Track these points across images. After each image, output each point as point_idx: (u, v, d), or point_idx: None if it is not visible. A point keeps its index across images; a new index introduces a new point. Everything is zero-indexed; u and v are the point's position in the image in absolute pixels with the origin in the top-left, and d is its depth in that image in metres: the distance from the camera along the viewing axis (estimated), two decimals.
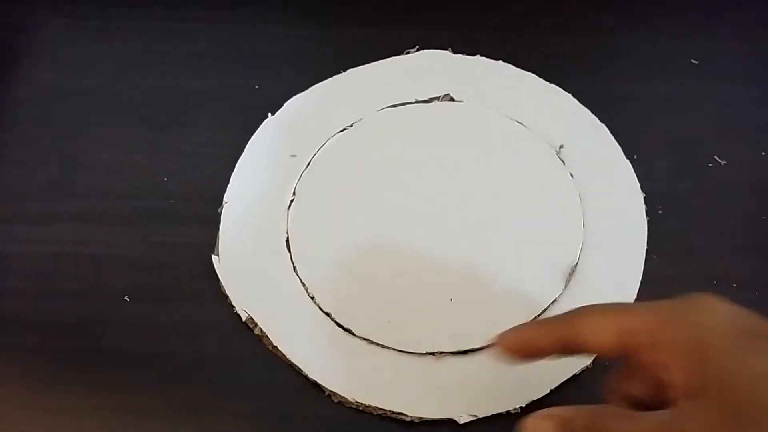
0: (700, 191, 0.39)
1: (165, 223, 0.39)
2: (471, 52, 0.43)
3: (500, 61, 0.43)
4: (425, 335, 0.34)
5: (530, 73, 0.42)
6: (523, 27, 0.45)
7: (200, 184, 0.40)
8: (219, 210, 0.38)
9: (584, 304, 0.25)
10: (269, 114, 0.41)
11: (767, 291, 0.36)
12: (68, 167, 0.41)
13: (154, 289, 0.37)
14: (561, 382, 0.33)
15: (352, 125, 0.40)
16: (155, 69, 0.44)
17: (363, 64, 0.43)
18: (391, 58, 0.43)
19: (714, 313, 0.23)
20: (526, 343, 0.26)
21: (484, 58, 0.43)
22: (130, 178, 0.40)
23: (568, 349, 0.25)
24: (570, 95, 0.42)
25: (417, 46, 0.44)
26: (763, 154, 0.41)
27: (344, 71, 0.43)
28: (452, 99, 0.41)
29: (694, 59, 0.44)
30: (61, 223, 0.39)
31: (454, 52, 0.43)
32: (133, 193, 0.40)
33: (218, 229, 0.38)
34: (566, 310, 0.26)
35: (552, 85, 0.42)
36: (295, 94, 0.42)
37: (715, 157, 0.40)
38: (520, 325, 0.27)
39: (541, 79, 0.42)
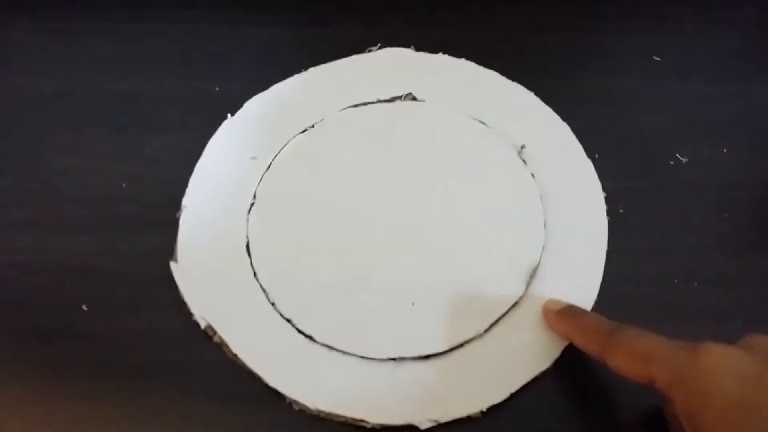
0: (662, 189, 0.39)
1: (124, 230, 0.38)
2: (433, 50, 0.43)
3: (462, 59, 0.42)
4: (387, 341, 0.34)
5: (492, 71, 0.42)
6: (486, 24, 0.45)
7: (160, 189, 0.39)
8: (177, 215, 0.38)
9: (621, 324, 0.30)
10: (229, 115, 0.40)
11: (729, 289, 0.36)
12: (25, 173, 0.40)
13: (113, 297, 0.36)
14: (521, 385, 0.33)
15: (313, 126, 0.40)
16: (113, 72, 0.43)
17: (325, 62, 0.43)
18: (352, 57, 0.43)
19: (715, 378, 0.25)
20: (567, 332, 0.33)
21: (446, 56, 0.43)
22: (88, 184, 0.39)
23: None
24: (532, 93, 0.41)
25: (379, 44, 0.43)
26: (725, 151, 0.41)
27: (305, 70, 0.42)
28: (414, 98, 0.41)
29: (656, 56, 0.44)
30: (18, 230, 0.38)
31: (417, 50, 0.43)
32: (91, 198, 0.39)
33: (176, 234, 0.37)
34: (573, 305, 0.34)
35: (514, 83, 0.42)
36: (254, 93, 0.41)
37: (677, 154, 0.40)
38: (574, 308, 0.33)
39: (504, 77, 0.42)
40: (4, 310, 0.36)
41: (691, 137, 0.41)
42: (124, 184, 0.39)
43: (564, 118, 0.41)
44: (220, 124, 0.40)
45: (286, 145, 0.39)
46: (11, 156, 0.40)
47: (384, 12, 0.45)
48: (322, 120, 0.40)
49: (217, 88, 0.42)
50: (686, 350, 0.26)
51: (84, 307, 0.36)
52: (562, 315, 0.33)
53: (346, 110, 0.40)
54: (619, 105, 0.42)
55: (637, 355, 0.28)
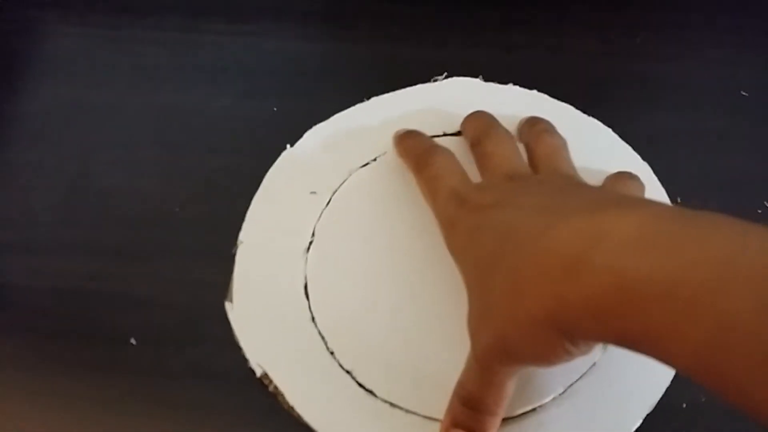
0: None
1: (175, 258, 0.36)
2: (503, 76, 0.41)
3: (534, 91, 0.40)
4: None
5: (568, 105, 0.39)
6: (559, 49, 0.42)
7: (214, 216, 0.37)
8: (233, 251, 0.36)
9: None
10: (288, 145, 0.39)
11: None
12: (73, 192, 0.38)
13: (162, 330, 0.34)
14: None
15: (375, 159, 0.38)
16: (169, 85, 0.42)
17: (388, 86, 0.40)
18: (417, 86, 0.40)
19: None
20: (400, 154, 0.38)
21: (517, 87, 0.40)
22: (139, 205, 0.38)
23: None
24: (610, 129, 0.39)
25: (445, 74, 0.41)
26: None
27: (367, 99, 0.40)
28: None
29: (744, 91, 0.41)
30: (65, 254, 0.36)
31: (485, 78, 0.40)
32: (142, 222, 0.37)
33: (231, 270, 0.35)
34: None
35: (590, 118, 0.39)
36: (314, 118, 0.39)
37: (765, 202, 0.37)
38: (409, 131, 0.38)
39: (579, 111, 0.39)
40: (46, 339, 0.34)
41: None
42: (177, 209, 0.37)
43: (644, 158, 0.38)
44: (277, 148, 0.38)
45: (346, 179, 0.37)
46: (57, 173, 0.39)
47: (452, 32, 0.43)
48: (385, 153, 0.38)
49: (275, 108, 0.40)
50: (456, 203, 0.32)
51: (132, 341, 0.34)
52: (397, 138, 0.37)
53: None
54: (704, 145, 0.39)
55: (427, 181, 0.34)
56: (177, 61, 0.42)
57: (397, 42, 0.43)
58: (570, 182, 0.32)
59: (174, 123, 0.40)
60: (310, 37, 0.44)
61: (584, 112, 0.39)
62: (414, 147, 0.36)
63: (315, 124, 0.39)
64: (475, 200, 0.31)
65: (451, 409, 0.30)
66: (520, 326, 0.25)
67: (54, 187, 0.38)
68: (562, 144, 0.36)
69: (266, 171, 0.38)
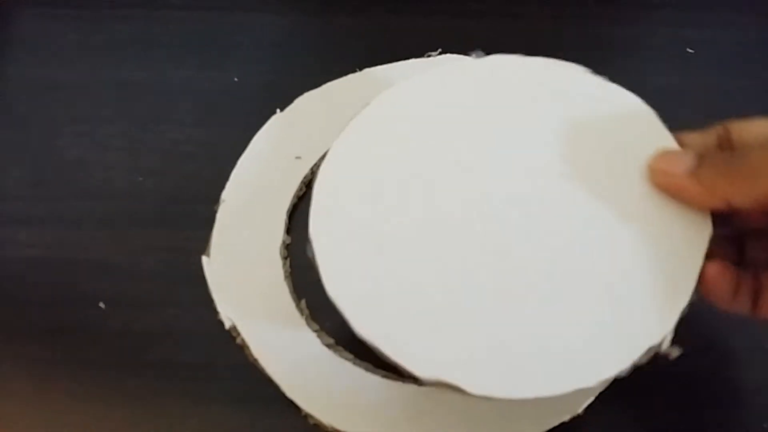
0: None
1: (142, 225, 0.37)
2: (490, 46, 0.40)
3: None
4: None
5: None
6: (520, 16, 0.43)
7: (177, 185, 0.38)
8: (215, 208, 0.36)
9: None
10: (278, 110, 0.39)
11: None
12: (42, 166, 0.39)
13: (130, 295, 0.35)
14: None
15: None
16: (132, 61, 0.42)
17: (382, 59, 0.40)
18: (411, 60, 0.41)
19: None
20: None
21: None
22: (104, 176, 0.38)
23: None
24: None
25: (439, 50, 0.41)
26: None
27: (360, 70, 0.40)
28: None
29: (690, 48, 0.42)
30: (34, 224, 0.37)
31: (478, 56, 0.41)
32: (109, 193, 0.38)
33: (205, 230, 0.36)
34: None
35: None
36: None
37: None
38: None
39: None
40: (19, 306, 0.35)
41: None
42: (141, 178, 0.38)
43: None
44: (250, 119, 0.39)
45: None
46: (26, 149, 0.39)
47: (452, 6, 0.43)
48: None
49: (236, 79, 0.41)
50: None
51: (101, 305, 0.35)
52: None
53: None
54: (654, 100, 0.40)
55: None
56: (140, 37, 0.42)
57: (392, 14, 0.43)
58: None
59: (138, 97, 0.41)
60: (306, 10, 0.44)
61: None
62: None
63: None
64: None
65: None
66: None
67: (22, 161, 0.39)
68: None
69: (229, 141, 0.38)
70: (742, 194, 0.23)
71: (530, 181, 0.27)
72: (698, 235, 0.25)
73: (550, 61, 0.30)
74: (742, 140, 0.26)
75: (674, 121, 0.38)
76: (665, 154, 0.26)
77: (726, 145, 0.26)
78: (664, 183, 0.25)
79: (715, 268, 0.25)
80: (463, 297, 0.25)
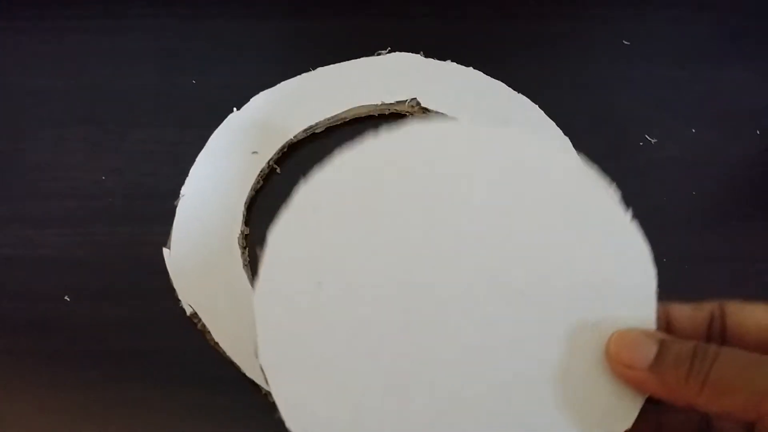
0: (632, 169, 0.40)
1: (105, 222, 0.38)
2: (443, 57, 0.43)
3: (471, 68, 0.42)
4: None
5: (499, 82, 0.42)
6: (462, 17, 0.46)
7: (137, 183, 0.39)
8: (175, 203, 0.38)
9: None
10: (235, 109, 0.41)
11: (698, 265, 0.37)
12: (6, 168, 0.40)
13: (94, 287, 0.37)
14: None
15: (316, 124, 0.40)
16: (94, 67, 0.43)
17: (334, 61, 0.43)
18: (362, 59, 0.43)
19: None
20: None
21: (454, 63, 0.43)
22: (67, 177, 0.40)
23: None
24: (537, 106, 0.41)
25: (389, 48, 0.43)
26: (693, 131, 0.42)
27: (313, 69, 0.42)
28: (419, 104, 0.41)
29: (626, 40, 0.45)
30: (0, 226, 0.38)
31: (426, 55, 0.43)
32: (71, 192, 0.39)
33: (163, 225, 0.37)
34: None
35: (520, 95, 0.42)
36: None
37: (646, 135, 0.41)
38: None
39: (510, 89, 0.42)
40: None
41: (660, 118, 0.42)
42: (104, 177, 0.39)
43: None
44: (204, 120, 0.40)
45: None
46: None
47: (401, 8, 0.46)
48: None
49: (194, 81, 0.42)
50: None
51: (66, 298, 0.36)
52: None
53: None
54: (592, 88, 0.43)
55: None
56: (101, 44, 0.44)
57: (344, 18, 0.46)
58: None
59: (99, 100, 0.42)
60: (265, 15, 0.46)
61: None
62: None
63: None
64: None
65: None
66: None
67: None
68: None
69: (188, 140, 0.40)
70: (708, 404, 0.20)
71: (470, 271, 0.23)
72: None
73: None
74: (741, 327, 0.23)
75: (616, 110, 0.40)
76: (626, 342, 0.22)
77: (718, 326, 0.23)
78: (622, 374, 0.22)
79: None
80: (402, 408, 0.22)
